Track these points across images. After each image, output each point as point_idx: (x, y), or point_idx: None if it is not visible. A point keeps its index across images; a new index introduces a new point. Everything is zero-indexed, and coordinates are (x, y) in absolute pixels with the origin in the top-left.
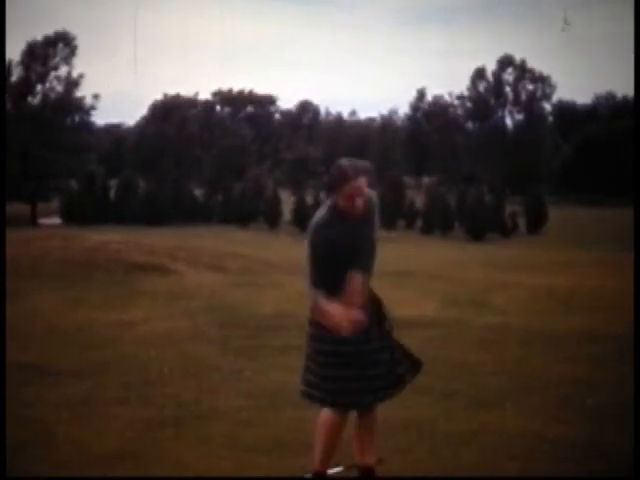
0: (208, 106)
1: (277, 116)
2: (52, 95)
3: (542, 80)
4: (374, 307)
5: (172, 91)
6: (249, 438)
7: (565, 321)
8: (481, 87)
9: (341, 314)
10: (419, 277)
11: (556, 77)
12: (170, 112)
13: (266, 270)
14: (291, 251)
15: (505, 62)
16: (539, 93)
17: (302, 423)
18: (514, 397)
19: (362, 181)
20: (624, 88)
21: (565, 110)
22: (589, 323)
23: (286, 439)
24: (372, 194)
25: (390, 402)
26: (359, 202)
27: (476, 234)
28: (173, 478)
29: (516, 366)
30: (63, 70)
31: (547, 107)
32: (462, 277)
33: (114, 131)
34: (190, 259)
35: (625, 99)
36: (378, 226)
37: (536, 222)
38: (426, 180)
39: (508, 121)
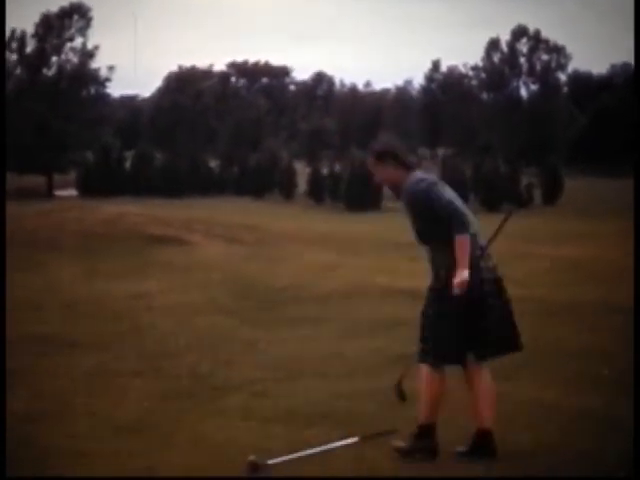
0: (223, 78)
1: (292, 87)
2: (67, 67)
3: (557, 50)
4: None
5: (187, 63)
6: (265, 409)
7: (584, 292)
8: (495, 58)
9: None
10: None
11: (571, 47)
12: (185, 84)
13: (282, 242)
14: (306, 222)
15: (519, 32)
16: (554, 63)
17: (317, 394)
18: (531, 368)
19: (369, 162)
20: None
21: (580, 80)
22: (608, 294)
23: (301, 410)
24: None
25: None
26: (376, 182)
27: (491, 205)
28: (175, 478)
29: (534, 337)
30: (78, 42)
31: (562, 77)
32: None
33: (129, 103)
34: (206, 231)
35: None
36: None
37: (552, 193)
38: (441, 151)
39: (523, 92)
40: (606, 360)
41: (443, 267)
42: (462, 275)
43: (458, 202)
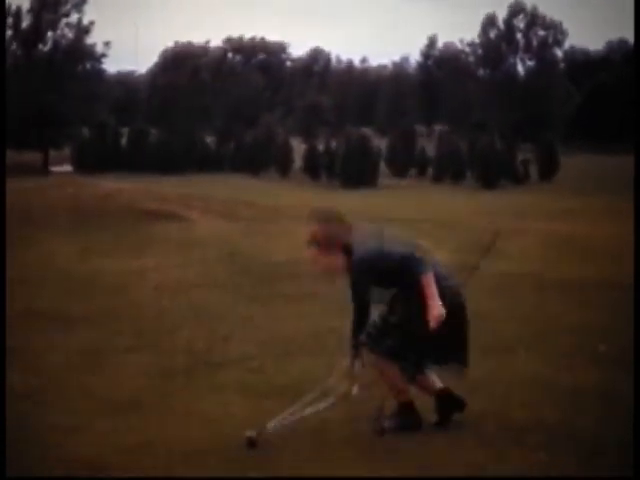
0: (220, 54)
1: (288, 64)
2: (63, 42)
3: (554, 27)
4: None
5: (183, 39)
6: (261, 386)
7: (579, 269)
8: (492, 34)
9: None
10: (431, 225)
11: (567, 24)
12: (182, 60)
13: (278, 217)
14: (302, 198)
15: (516, 9)
16: (550, 40)
17: (314, 370)
18: (526, 344)
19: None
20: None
21: (577, 57)
22: (603, 271)
23: (298, 386)
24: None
25: None
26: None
27: (488, 182)
28: (175, 478)
29: (529, 313)
30: (74, 17)
31: (559, 54)
32: (475, 224)
33: (126, 79)
34: (202, 207)
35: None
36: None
37: (548, 169)
38: (437, 128)
39: (519, 68)
40: (602, 337)
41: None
42: (439, 308)
43: (407, 248)
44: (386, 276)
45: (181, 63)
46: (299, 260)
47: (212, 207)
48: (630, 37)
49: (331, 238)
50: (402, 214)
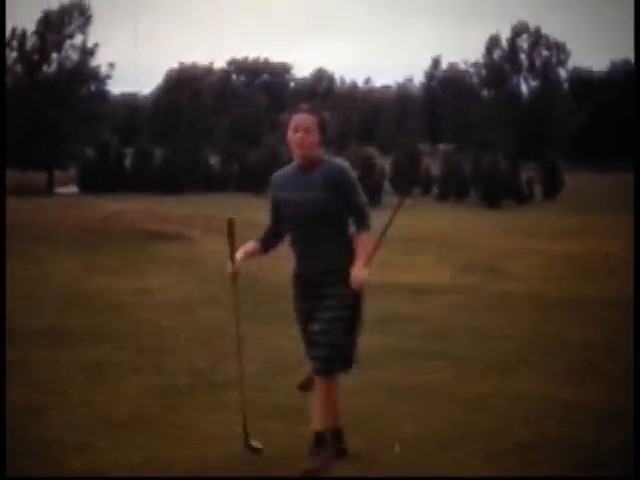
0: (224, 75)
1: (292, 85)
2: (67, 64)
3: (557, 46)
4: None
5: (188, 60)
6: (262, 405)
7: (582, 287)
8: (496, 54)
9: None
10: (435, 244)
11: (572, 44)
12: (185, 81)
13: None
14: None
15: (519, 29)
16: (554, 59)
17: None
18: (529, 362)
19: (305, 118)
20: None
21: (580, 77)
22: (605, 289)
23: (299, 405)
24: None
25: (406, 367)
26: (298, 136)
27: (492, 201)
28: (177, 478)
29: (531, 331)
30: (78, 39)
31: (562, 73)
32: (478, 243)
33: (130, 100)
34: (205, 227)
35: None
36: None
37: (552, 188)
38: (442, 147)
39: (523, 88)
40: (605, 354)
41: (324, 260)
42: (363, 273)
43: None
44: (337, 200)
45: (185, 84)
46: None
47: (215, 227)
48: (632, 56)
49: (320, 124)
50: (407, 233)
